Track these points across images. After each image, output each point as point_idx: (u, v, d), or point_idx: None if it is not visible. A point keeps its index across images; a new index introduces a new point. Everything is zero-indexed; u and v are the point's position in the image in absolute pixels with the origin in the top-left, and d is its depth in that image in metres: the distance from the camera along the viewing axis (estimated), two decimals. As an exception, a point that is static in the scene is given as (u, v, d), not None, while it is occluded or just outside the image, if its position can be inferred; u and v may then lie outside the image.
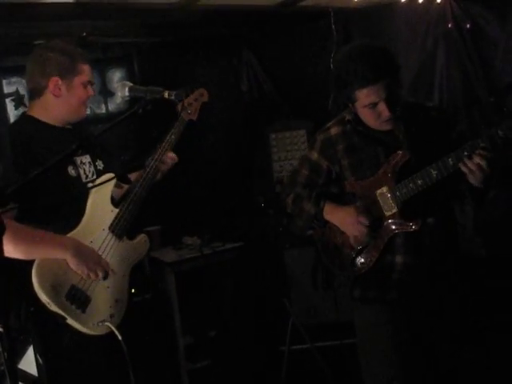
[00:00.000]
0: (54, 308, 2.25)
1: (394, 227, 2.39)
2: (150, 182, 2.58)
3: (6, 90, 3.93)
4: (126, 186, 2.72)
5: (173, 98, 2.25)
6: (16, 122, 2.64)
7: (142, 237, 2.64)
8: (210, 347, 4.39)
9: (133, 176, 2.65)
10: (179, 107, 2.72)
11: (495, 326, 3.60)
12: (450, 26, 3.97)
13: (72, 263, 2.30)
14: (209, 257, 4.22)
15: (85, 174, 2.54)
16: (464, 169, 2.19)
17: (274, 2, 4.06)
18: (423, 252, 2.40)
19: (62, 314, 2.26)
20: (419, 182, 2.28)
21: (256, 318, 4.41)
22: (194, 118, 2.83)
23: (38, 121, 2.49)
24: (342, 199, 2.54)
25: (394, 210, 2.38)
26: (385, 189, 2.39)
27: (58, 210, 2.40)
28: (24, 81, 3.93)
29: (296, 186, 2.67)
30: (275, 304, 4.29)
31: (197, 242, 4.37)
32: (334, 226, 2.55)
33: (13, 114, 3.93)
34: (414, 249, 2.39)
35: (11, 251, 2.21)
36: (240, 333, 4.40)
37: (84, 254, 2.33)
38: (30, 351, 2.60)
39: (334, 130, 2.54)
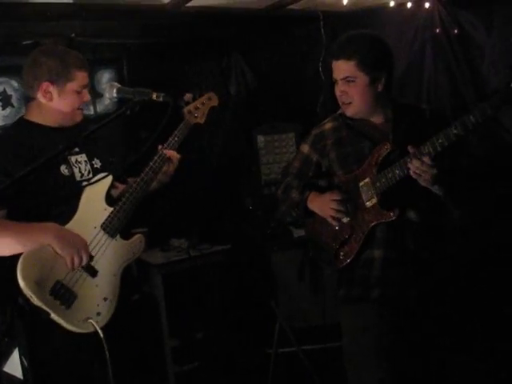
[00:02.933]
0: (36, 302, 2.22)
1: (373, 217, 2.42)
2: (149, 184, 2.60)
3: (-6, 90, 3.91)
4: (122, 186, 2.74)
5: (161, 99, 2.25)
6: (10, 127, 2.64)
7: (137, 237, 2.62)
8: (197, 349, 4.39)
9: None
10: (185, 110, 2.77)
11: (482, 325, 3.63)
12: (437, 31, 4.00)
13: (56, 245, 2.27)
14: (196, 259, 4.21)
15: (80, 172, 2.54)
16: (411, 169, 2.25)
17: (263, 5, 4.07)
18: (405, 247, 2.42)
19: (45, 308, 2.24)
20: (396, 171, 2.32)
21: (243, 321, 4.41)
22: (202, 121, 2.84)
23: (33, 123, 2.49)
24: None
25: (374, 201, 2.42)
26: (367, 180, 2.43)
27: (50, 209, 2.39)
28: (12, 81, 3.94)
29: (287, 177, 2.74)
30: (262, 306, 4.29)
31: (184, 244, 4.36)
32: (321, 218, 2.58)
33: (0, 114, 3.91)
34: (394, 243, 2.42)
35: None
36: (227, 335, 4.40)
37: (67, 237, 2.31)
38: (16, 354, 2.59)
39: (327, 125, 2.62)
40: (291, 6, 4.09)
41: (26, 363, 2.43)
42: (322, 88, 4.54)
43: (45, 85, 2.44)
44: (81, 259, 2.33)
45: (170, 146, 2.68)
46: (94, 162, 2.62)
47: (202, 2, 3.76)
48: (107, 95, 2.36)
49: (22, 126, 2.51)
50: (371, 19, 4.24)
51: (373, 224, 2.42)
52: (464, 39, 3.91)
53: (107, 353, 2.28)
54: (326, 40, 4.51)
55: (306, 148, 2.67)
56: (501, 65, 3.67)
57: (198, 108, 2.82)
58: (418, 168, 2.21)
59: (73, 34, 3.92)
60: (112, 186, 2.60)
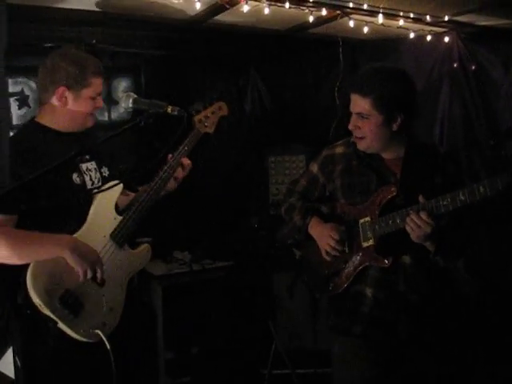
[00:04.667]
0: (45, 311, 2.21)
1: (367, 259, 2.40)
2: (158, 193, 2.58)
3: (12, 89, 3.93)
4: (132, 195, 2.73)
5: (175, 113, 2.26)
6: (21, 130, 2.60)
7: (144, 247, 2.61)
8: (191, 364, 4.36)
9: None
10: (195, 119, 2.75)
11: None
12: (455, 65, 4.02)
13: (71, 260, 2.25)
14: (198, 273, 4.21)
15: (90, 180, 2.51)
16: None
17: (285, 27, 4.10)
18: (395, 289, 2.38)
19: (54, 317, 2.23)
20: (398, 220, 2.28)
21: (240, 339, 4.39)
22: (211, 131, 2.83)
23: (44, 127, 2.46)
24: (330, 220, 2.56)
25: (371, 243, 2.39)
26: (367, 219, 2.41)
27: (61, 217, 2.37)
28: (30, 82, 3.97)
29: (292, 196, 2.73)
30: (260, 326, 4.27)
31: (187, 257, 4.36)
32: (316, 243, 2.58)
33: (16, 113, 3.94)
34: (385, 284, 2.39)
35: (6, 256, 2.20)
36: (222, 352, 4.38)
37: (83, 250, 2.29)
38: (9, 353, 2.58)
39: (338, 149, 2.59)
40: (312, 30, 4.12)
41: (18, 363, 2.42)
42: (336, 113, 4.56)
43: (61, 89, 2.43)
44: (95, 273, 2.31)
45: (179, 155, 2.66)
46: (102, 171, 2.60)
47: (225, 19, 3.80)
48: (123, 105, 2.36)
49: (33, 128, 2.49)
50: (390, 49, 4.27)
51: (366, 264, 2.40)
52: (481, 75, 3.93)
53: (113, 364, 2.25)
54: (344, 66, 4.54)
55: (315, 168, 2.66)
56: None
57: (207, 117, 2.80)
58: (413, 221, 2.18)
59: (94, 41, 3.97)
60: (122, 194, 2.60)
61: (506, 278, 3.65)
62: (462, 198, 2.10)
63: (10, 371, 2.56)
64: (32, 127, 2.50)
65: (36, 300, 2.20)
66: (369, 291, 2.41)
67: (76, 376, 2.32)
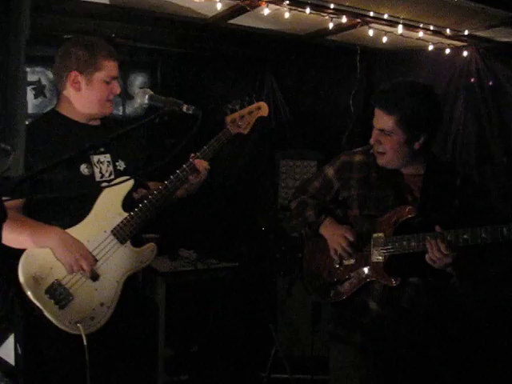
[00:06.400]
0: (31, 299, 2.24)
1: (374, 274, 2.38)
2: (172, 193, 2.52)
3: (29, 78, 3.96)
4: (144, 191, 2.67)
5: (191, 112, 2.25)
6: (40, 117, 2.58)
7: (148, 246, 2.53)
8: (190, 362, 4.37)
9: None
10: (227, 119, 2.66)
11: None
12: (472, 80, 4.01)
13: (56, 252, 2.27)
14: (202, 272, 4.21)
15: (100, 173, 2.47)
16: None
17: (304, 33, 4.11)
18: (399, 306, 2.36)
19: (39, 305, 2.24)
20: (413, 243, 2.27)
21: (240, 341, 4.39)
22: (245, 132, 2.70)
23: (62, 116, 2.46)
24: (344, 224, 2.52)
25: (381, 259, 2.36)
26: (381, 235, 2.38)
27: (66, 207, 2.37)
28: (47, 72, 4.00)
29: (305, 193, 2.67)
30: (261, 329, 4.27)
31: (193, 255, 4.37)
32: (323, 245, 2.53)
33: (32, 102, 3.97)
34: (389, 300, 2.37)
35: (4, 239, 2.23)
36: (222, 352, 4.38)
37: (69, 244, 2.28)
38: (11, 340, 2.59)
39: (357, 157, 2.53)
40: (331, 37, 4.12)
41: (20, 351, 2.43)
42: (350, 121, 4.55)
43: (73, 74, 2.41)
44: (80, 267, 2.30)
45: (203, 154, 2.57)
46: (117, 164, 2.54)
47: (244, 22, 3.81)
48: (139, 100, 2.36)
49: (52, 117, 2.49)
50: (408, 60, 4.27)
51: (372, 279, 2.39)
52: (498, 92, 3.91)
53: (87, 358, 2.23)
54: (361, 74, 4.53)
55: (330, 172, 2.59)
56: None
57: (243, 117, 2.68)
58: (434, 254, 2.17)
59: (113, 35, 3.98)
60: (133, 191, 2.55)
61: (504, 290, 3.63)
62: (484, 235, 2.09)
63: (10, 358, 2.58)
64: (50, 116, 2.51)
65: (24, 286, 2.22)
66: (373, 304, 2.39)
67: (76, 364, 2.29)
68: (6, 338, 2.63)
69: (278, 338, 4.18)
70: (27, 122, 2.65)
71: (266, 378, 4.15)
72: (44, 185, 2.27)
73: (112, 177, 2.50)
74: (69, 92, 2.45)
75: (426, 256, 2.20)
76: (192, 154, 2.56)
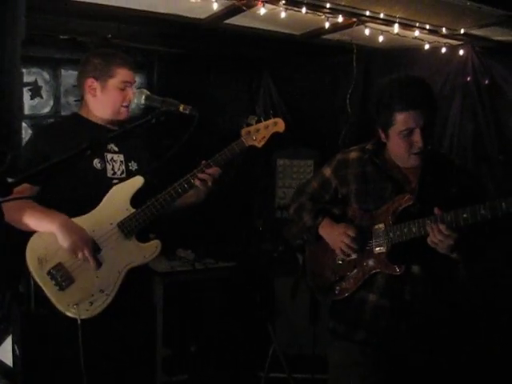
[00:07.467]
0: (34, 278, 2.37)
1: (378, 265, 2.39)
2: (179, 194, 2.58)
3: (25, 79, 3.96)
4: None
5: (187, 112, 2.28)
6: (62, 118, 2.87)
7: (153, 242, 2.63)
8: (188, 362, 4.37)
9: None
10: (243, 130, 2.72)
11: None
12: (468, 79, 4.02)
13: (59, 237, 2.39)
14: (200, 272, 4.22)
15: (112, 170, 2.63)
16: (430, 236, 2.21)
17: (300, 32, 4.11)
18: (400, 298, 2.38)
19: (40, 284, 2.37)
20: (413, 229, 2.28)
21: (238, 340, 4.39)
22: (259, 145, 2.73)
23: (82, 117, 2.68)
24: (341, 222, 2.54)
25: (383, 250, 2.38)
26: (381, 226, 2.40)
27: (75, 198, 2.49)
28: (44, 73, 4.01)
29: (303, 196, 2.71)
30: (259, 328, 4.28)
31: (190, 255, 4.37)
32: (325, 245, 2.56)
33: (28, 103, 3.96)
34: (391, 293, 2.38)
35: (9, 219, 2.41)
36: (220, 352, 4.38)
37: (72, 230, 2.41)
38: (9, 341, 2.59)
39: (353, 154, 2.57)
40: (327, 36, 4.13)
41: (17, 352, 2.44)
42: (346, 120, 4.56)
43: (89, 81, 2.63)
44: (82, 252, 2.40)
45: (214, 162, 2.62)
46: (130, 164, 2.70)
47: (241, 22, 3.81)
48: (135, 101, 2.45)
49: (73, 118, 2.77)
50: (404, 59, 4.28)
51: (376, 270, 2.40)
52: (494, 90, 3.92)
53: (81, 340, 2.32)
54: (357, 72, 4.53)
55: (327, 171, 2.63)
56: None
57: (258, 130, 2.72)
58: (434, 235, 2.18)
59: (109, 35, 3.99)
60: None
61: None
62: (483, 212, 2.10)
63: (8, 359, 2.58)
64: (71, 117, 2.84)
65: (28, 265, 2.37)
66: (372, 298, 2.41)
67: (74, 365, 2.33)
68: (3, 339, 2.64)
69: (276, 338, 4.18)
70: (25, 124, 2.73)
71: (264, 378, 4.15)
72: (59, 174, 2.34)
73: (124, 175, 2.65)
74: (87, 97, 2.67)
75: (428, 239, 2.22)
76: (203, 161, 2.63)
